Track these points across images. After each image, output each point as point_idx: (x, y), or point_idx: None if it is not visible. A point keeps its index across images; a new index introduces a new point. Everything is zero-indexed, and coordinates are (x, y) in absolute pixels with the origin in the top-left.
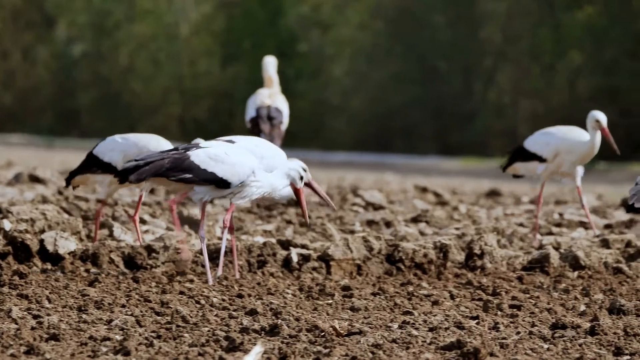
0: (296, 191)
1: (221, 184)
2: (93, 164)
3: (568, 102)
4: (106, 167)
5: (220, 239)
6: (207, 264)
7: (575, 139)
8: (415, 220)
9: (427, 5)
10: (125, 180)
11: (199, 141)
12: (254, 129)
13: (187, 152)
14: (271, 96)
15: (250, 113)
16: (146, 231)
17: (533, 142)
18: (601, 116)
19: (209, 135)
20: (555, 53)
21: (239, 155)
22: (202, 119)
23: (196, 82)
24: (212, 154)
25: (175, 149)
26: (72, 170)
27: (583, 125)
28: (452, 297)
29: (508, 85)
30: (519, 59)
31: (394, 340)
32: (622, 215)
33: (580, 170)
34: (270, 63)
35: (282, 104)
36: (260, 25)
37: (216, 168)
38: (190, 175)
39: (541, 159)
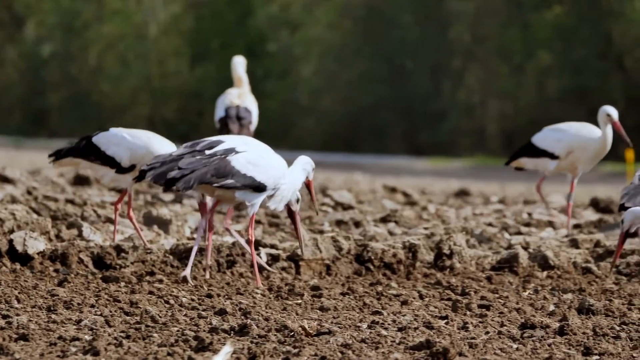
0: (308, 183)
1: (258, 188)
2: (91, 153)
3: (537, 102)
4: (108, 161)
5: (190, 239)
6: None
7: (588, 135)
8: (384, 220)
9: (396, 5)
10: (169, 189)
11: (214, 140)
12: (223, 129)
13: (228, 157)
14: (240, 96)
15: (219, 113)
16: (115, 231)
17: (543, 139)
18: (612, 110)
19: (178, 136)
20: (524, 53)
21: (273, 158)
22: (171, 119)
23: (165, 82)
24: (250, 158)
25: (195, 150)
26: (65, 149)
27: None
28: (421, 297)
29: (477, 85)
30: (488, 59)
31: (363, 340)
32: (591, 215)
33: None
34: (239, 63)
35: (251, 104)
36: (229, 25)
37: (254, 172)
38: (232, 181)
39: (553, 156)
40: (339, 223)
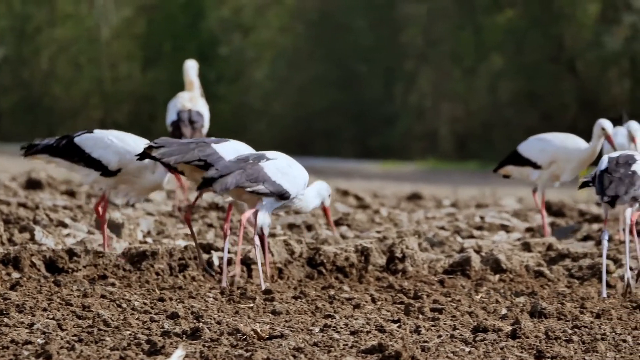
0: (324, 209)
1: (284, 196)
2: (75, 154)
3: (489, 105)
4: (94, 163)
5: (142, 242)
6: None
7: (573, 146)
8: (336, 223)
9: (348, 8)
10: (205, 187)
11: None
12: (175, 133)
13: (260, 164)
14: (192, 100)
15: (171, 117)
16: (67, 235)
17: (527, 148)
18: (608, 124)
19: None
20: (476, 56)
21: (298, 167)
22: (123, 123)
23: (117, 86)
24: (279, 165)
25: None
26: (41, 145)
27: (504, 129)
28: (373, 300)
29: (429, 88)
30: (440, 62)
31: (315, 344)
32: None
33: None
34: (191, 67)
35: (203, 108)
36: (181, 29)
37: (283, 180)
38: (263, 187)
39: (535, 165)
40: (291, 226)
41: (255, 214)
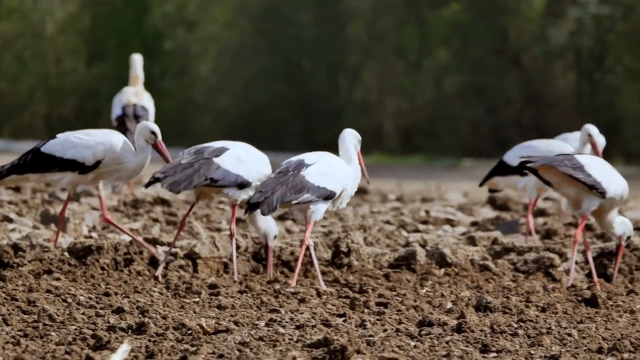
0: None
1: (329, 197)
2: (46, 163)
3: (434, 99)
4: (69, 165)
5: (88, 237)
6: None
7: (559, 152)
8: (282, 218)
9: (292, 3)
10: (252, 210)
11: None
12: (120, 127)
13: (301, 173)
14: (137, 94)
15: (116, 111)
16: (12, 229)
17: (513, 156)
18: (594, 130)
19: None
20: (421, 50)
21: (338, 163)
22: (68, 118)
23: (62, 81)
24: (319, 169)
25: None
26: (4, 169)
27: (449, 123)
28: (319, 295)
29: (374, 83)
30: (385, 56)
31: (260, 338)
32: (488, 213)
33: None
34: (137, 61)
35: (148, 102)
36: (126, 24)
37: (327, 182)
38: (309, 195)
39: (522, 173)
40: (237, 221)
41: (309, 222)
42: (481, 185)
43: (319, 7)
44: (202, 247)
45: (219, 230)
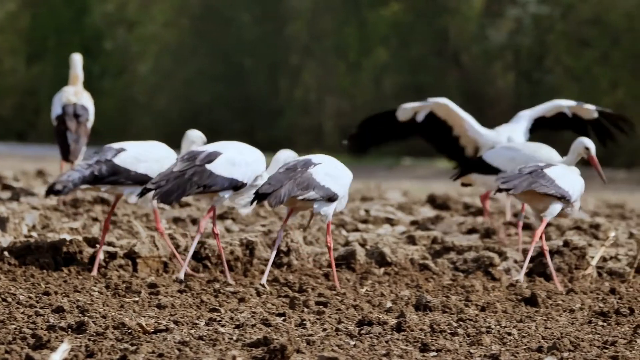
0: None
1: (332, 198)
2: (119, 173)
3: (374, 99)
4: (137, 179)
5: (27, 236)
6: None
7: (545, 157)
8: (221, 217)
9: (232, 2)
10: (260, 202)
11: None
12: (60, 127)
13: (309, 170)
14: (77, 94)
15: (56, 111)
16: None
17: (496, 156)
18: (591, 144)
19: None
20: (361, 50)
21: (342, 167)
22: (7, 117)
23: (1, 80)
24: (326, 169)
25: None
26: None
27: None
28: (258, 294)
29: (314, 82)
30: (325, 56)
31: (200, 338)
32: (428, 212)
33: None
34: (76, 61)
35: (88, 102)
36: (65, 23)
37: (331, 183)
38: (314, 193)
39: None
40: (176, 220)
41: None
42: (455, 179)
43: (259, 6)
44: (141, 247)
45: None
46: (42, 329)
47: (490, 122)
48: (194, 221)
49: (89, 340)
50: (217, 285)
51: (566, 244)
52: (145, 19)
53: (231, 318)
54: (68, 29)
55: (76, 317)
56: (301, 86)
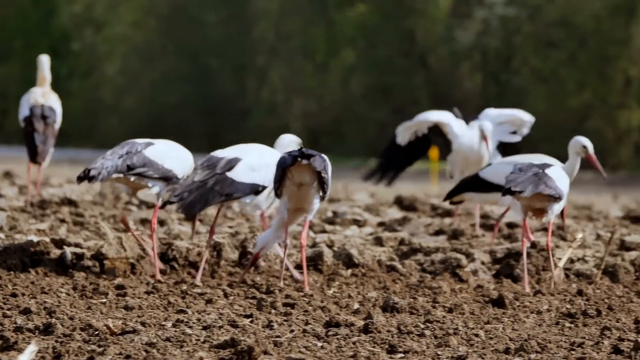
0: None
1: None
2: (149, 165)
3: (341, 100)
4: (163, 173)
5: None
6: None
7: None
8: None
9: (200, 3)
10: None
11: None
12: (28, 128)
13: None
14: (44, 95)
15: (23, 112)
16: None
17: (494, 173)
18: (588, 143)
19: None
20: (328, 51)
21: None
22: None
23: None
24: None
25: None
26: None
27: (356, 123)
28: (225, 295)
29: (281, 83)
30: (292, 57)
31: (167, 339)
32: (395, 213)
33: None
34: (44, 62)
35: (55, 103)
36: (33, 25)
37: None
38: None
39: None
40: (144, 222)
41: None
42: (446, 200)
43: (226, 7)
44: (109, 248)
45: (125, 231)
46: (9, 330)
47: None
48: (162, 222)
49: (57, 341)
50: (184, 287)
51: (533, 245)
52: (112, 19)
53: (198, 319)
54: (35, 30)
55: (43, 318)
56: (268, 87)
